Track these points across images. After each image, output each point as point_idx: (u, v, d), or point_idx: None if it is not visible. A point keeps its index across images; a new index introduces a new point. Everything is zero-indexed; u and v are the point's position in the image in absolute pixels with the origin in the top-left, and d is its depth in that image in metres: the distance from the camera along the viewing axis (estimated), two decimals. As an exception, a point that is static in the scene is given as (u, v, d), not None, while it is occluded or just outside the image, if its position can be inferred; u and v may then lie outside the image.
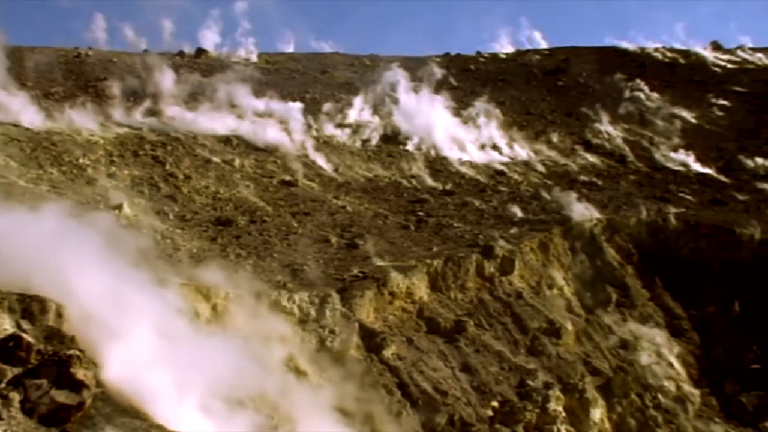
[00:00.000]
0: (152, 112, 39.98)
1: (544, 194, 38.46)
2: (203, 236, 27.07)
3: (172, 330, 14.62)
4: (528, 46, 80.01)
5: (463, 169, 43.62)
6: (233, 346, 16.37)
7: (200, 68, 53.99)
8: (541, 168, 45.90)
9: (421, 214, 34.44)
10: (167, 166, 33.79)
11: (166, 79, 45.60)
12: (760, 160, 47.98)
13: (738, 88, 65.06)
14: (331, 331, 21.98)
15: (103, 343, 12.21)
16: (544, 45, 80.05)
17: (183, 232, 26.85)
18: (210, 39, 64.85)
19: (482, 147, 48.15)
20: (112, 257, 14.92)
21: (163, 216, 28.37)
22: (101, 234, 15.68)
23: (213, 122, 41.06)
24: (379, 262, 26.42)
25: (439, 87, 54.40)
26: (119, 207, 26.62)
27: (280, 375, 18.74)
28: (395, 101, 49.72)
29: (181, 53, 61.42)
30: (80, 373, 10.49)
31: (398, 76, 51.70)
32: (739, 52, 78.64)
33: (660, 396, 26.39)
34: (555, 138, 51.81)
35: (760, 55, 77.99)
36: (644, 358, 27.96)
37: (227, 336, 18.13)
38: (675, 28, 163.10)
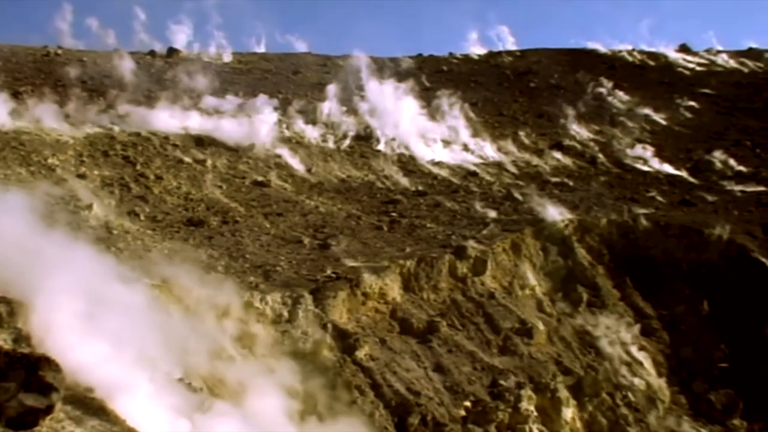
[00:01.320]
0: (123, 112, 39.62)
1: (516, 195, 38.64)
2: (175, 237, 26.90)
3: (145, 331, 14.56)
4: (497, 43, 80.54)
5: (436, 170, 43.71)
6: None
7: (172, 67, 53.63)
8: (512, 169, 46.12)
9: (394, 214, 34.46)
10: (138, 167, 33.54)
11: (137, 79, 45.28)
12: (728, 161, 48.60)
13: (706, 90, 65.84)
14: (304, 332, 21.93)
15: (71, 345, 12.10)
16: (511, 41, 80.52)
17: (154, 233, 26.67)
18: (181, 35, 64.43)
19: (454, 148, 48.30)
20: (82, 258, 14.80)
21: (134, 217, 28.16)
22: (70, 234, 15.55)
23: (185, 122, 40.80)
24: (352, 263, 26.41)
25: (411, 88, 54.44)
26: (89, 207, 26.39)
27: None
28: (367, 102, 49.69)
29: (152, 52, 61.02)
30: (49, 376, 10.38)
31: (371, 76, 51.66)
32: (707, 55, 79.58)
33: (630, 395, 26.61)
34: (527, 139, 52.09)
35: (727, 57, 79.01)
36: (615, 357, 28.18)
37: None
38: (640, 26, 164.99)
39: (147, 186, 32.03)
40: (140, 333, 14.25)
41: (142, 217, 28.34)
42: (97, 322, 12.92)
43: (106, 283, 14.72)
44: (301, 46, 72.70)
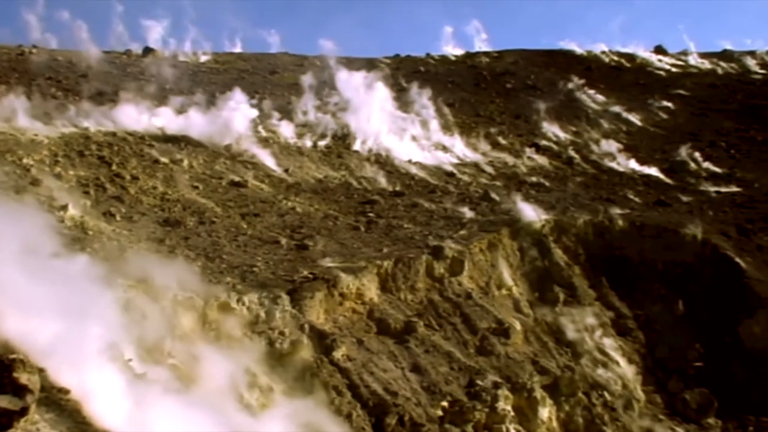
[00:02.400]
0: (99, 112, 39.32)
1: (493, 195, 38.78)
2: (151, 238, 26.70)
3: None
4: (472, 38, 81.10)
5: (413, 170, 43.78)
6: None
7: (147, 67, 53.36)
8: (489, 169, 46.30)
9: (371, 215, 34.45)
10: (114, 167, 33.27)
11: (112, 79, 45.00)
12: (703, 163, 49.08)
13: (681, 92, 66.48)
14: (281, 333, 21.85)
15: (45, 348, 11.99)
16: (484, 37, 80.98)
17: (130, 234, 26.46)
18: (155, 31, 64.12)
19: (431, 148, 48.43)
20: (56, 260, 14.69)
21: (110, 217, 27.91)
22: (46, 236, 15.43)
23: (161, 122, 40.61)
24: (329, 264, 26.35)
25: (388, 88, 54.51)
26: (64, 208, 26.15)
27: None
28: (345, 102, 49.66)
29: (128, 52, 60.73)
30: (23, 378, 10.26)
31: (348, 77, 51.63)
32: (683, 56, 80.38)
33: (606, 394, 26.75)
34: (503, 139, 52.34)
35: (701, 58, 79.84)
36: (591, 357, 28.34)
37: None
38: (611, 24, 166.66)
39: (123, 186, 31.78)
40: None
41: (117, 218, 28.10)
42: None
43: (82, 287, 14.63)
44: (274, 42, 72.74)
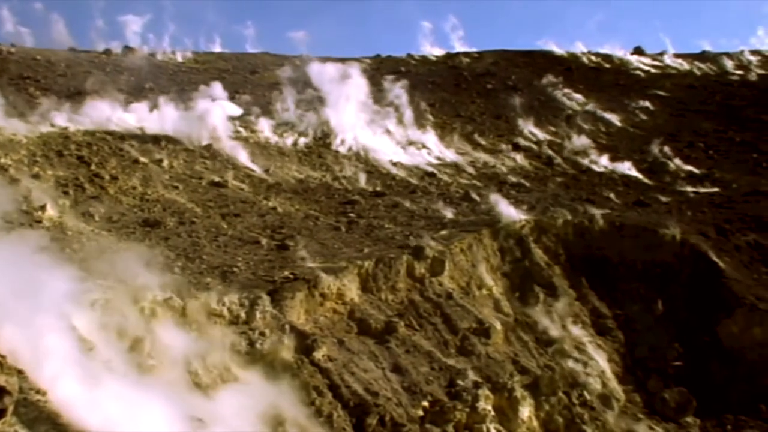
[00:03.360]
0: (77, 111, 39.07)
1: (474, 195, 38.87)
2: (130, 238, 26.57)
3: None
4: (451, 36, 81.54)
5: (394, 171, 43.81)
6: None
7: (127, 67, 53.09)
8: (470, 169, 46.40)
9: (351, 215, 34.44)
10: (93, 167, 33.09)
11: (91, 78, 44.71)
12: (675, 159, 49.43)
13: (660, 93, 66.94)
14: (261, 333, 21.79)
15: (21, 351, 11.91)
16: (461, 33, 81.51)
17: (109, 234, 26.31)
18: (133, 28, 63.80)
19: (412, 148, 48.48)
20: (32, 261, 14.58)
21: (89, 217, 27.76)
22: (21, 236, 15.32)
23: (140, 122, 40.44)
24: (310, 264, 26.31)
25: (369, 88, 54.53)
26: (43, 208, 25.97)
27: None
28: (326, 102, 49.62)
29: (107, 51, 60.39)
30: (1, 380, 10.20)
31: (329, 76, 51.58)
32: (662, 57, 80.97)
33: (586, 393, 26.81)
34: (484, 140, 52.48)
35: (680, 59, 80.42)
36: (571, 356, 28.43)
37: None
38: (590, 23, 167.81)
39: (102, 186, 31.60)
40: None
41: (97, 218, 27.94)
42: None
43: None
44: (250, 35, 72.89)
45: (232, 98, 47.94)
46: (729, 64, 78.66)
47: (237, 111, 45.75)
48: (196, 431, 14.19)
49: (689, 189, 44.46)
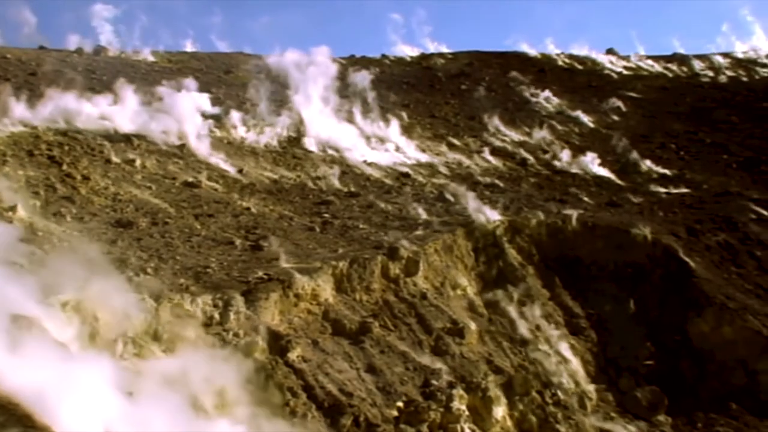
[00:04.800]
0: (48, 111, 38.64)
1: (448, 196, 38.95)
2: (102, 239, 26.35)
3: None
4: (419, 34, 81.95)
5: (368, 171, 43.81)
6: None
7: (99, 66, 52.66)
8: (444, 170, 46.49)
9: (326, 215, 34.41)
10: (64, 167, 32.76)
11: (63, 77, 44.27)
12: (654, 166, 49.85)
13: (633, 94, 67.51)
14: (236, 334, 21.72)
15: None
16: (429, 29, 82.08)
17: (81, 235, 26.07)
18: (106, 28, 63.21)
19: (387, 149, 48.52)
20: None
21: (60, 218, 27.49)
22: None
23: (113, 121, 40.10)
24: (284, 264, 26.26)
25: (343, 89, 54.52)
26: (13, 209, 25.68)
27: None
28: (300, 102, 49.50)
29: (79, 50, 59.84)
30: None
31: (303, 76, 51.48)
32: (634, 59, 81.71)
33: (559, 393, 26.97)
34: (458, 141, 52.62)
35: (652, 61, 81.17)
36: (544, 356, 28.58)
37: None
38: (558, 20, 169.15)
39: (74, 186, 31.29)
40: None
41: (68, 219, 27.67)
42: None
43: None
44: (217, 30, 72.64)
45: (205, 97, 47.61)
46: (699, 66, 79.51)
47: (207, 101, 45.51)
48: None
49: (661, 190, 44.87)
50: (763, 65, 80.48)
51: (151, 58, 62.02)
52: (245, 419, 18.53)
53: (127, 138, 38.58)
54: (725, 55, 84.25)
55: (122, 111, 41.53)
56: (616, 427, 26.87)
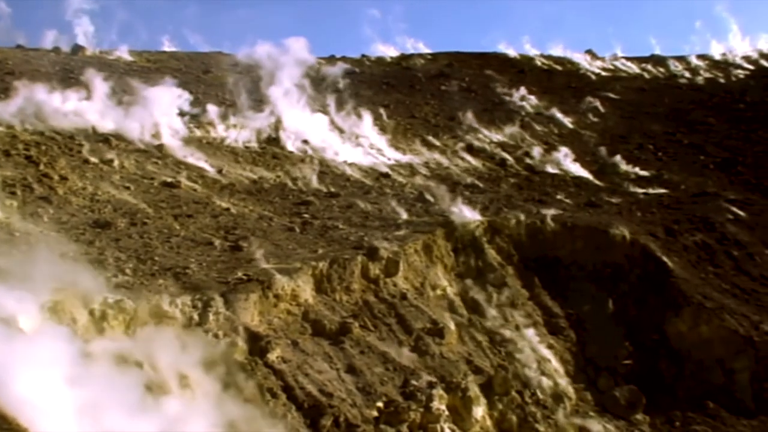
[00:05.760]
0: (25, 110, 38.30)
1: (428, 196, 38.99)
2: (80, 239, 26.14)
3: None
4: (394, 30, 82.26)
5: (348, 171, 43.76)
6: None
7: (77, 65, 52.27)
8: (424, 171, 46.54)
9: (306, 216, 34.33)
10: (41, 167, 32.48)
11: (41, 76, 43.92)
12: (633, 168, 50.17)
13: (611, 95, 67.94)
14: (215, 335, 21.63)
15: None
16: (406, 26, 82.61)
17: (58, 235, 25.86)
18: (83, 28, 62.72)
19: (367, 149, 48.51)
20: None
21: (37, 218, 27.26)
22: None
23: (91, 121, 39.81)
24: (264, 265, 26.14)
25: (323, 89, 54.48)
26: (-11, 209, 25.47)
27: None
28: (279, 102, 49.36)
29: (56, 49, 59.41)
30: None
31: (283, 76, 51.35)
32: (612, 61, 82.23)
33: (539, 392, 27.09)
34: (438, 141, 52.70)
35: (629, 62, 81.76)
36: (524, 356, 28.68)
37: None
38: (534, 18, 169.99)
39: (51, 187, 31.04)
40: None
41: (45, 219, 27.45)
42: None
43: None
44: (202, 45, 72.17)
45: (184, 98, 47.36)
46: (677, 67, 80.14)
47: (186, 100, 45.28)
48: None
49: (639, 190, 45.19)
50: (740, 66, 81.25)
51: (129, 58, 61.64)
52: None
53: (105, 138, 38.32)
54: (702, 56, 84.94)
55: (99, 109, 41.23)
56: (595, 426, 27.03)
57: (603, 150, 52.70)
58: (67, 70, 49.81)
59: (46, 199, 29.70)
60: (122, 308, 19.96)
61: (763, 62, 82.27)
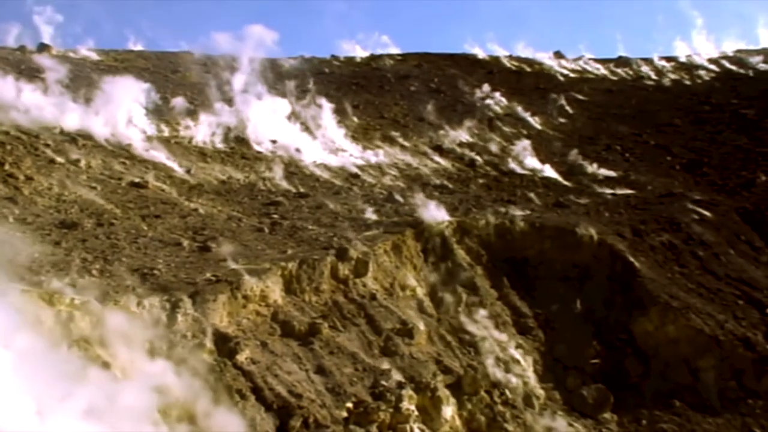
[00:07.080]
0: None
1: (397, 197, 39.04)
2: (46, 240, 25.85)
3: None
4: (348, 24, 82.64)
5: (318, 172, 43.69)
6: None
7: (43, 64, 51.61)
8: (394, 171, 46.59)
9: (275, 216, 34.21)
10: (6, 167, 32.07)
11: (4, 75, 43.34)
12: (601, 169, 50.55)
13: (579, 96, 68.45)
14: (183, 336, 21.49)
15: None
16: (369, 20, 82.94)
17: (24, 236, 25.55)
18: (47, 27, 62.04)
19: (336, 149, 48.46)
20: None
21: (2, 219, 26.90)
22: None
23: (57, 120, 39.39)
24: (233, 265, 26.02)
25: (292, 88, 54.34)
26: (-47, 210, 25.10)
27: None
28: (248, 102, 49.16)
29: (22, 48, 58.72)
30: None
31: (250, 76, 51.14)
32: (580, 62, 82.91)
33: (507, 392, 27.20)
34: (407, 142, 52.78)
35: (596, 64, 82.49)
36: (493, 356, 28.78)
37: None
38: (499, 14, 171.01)
39: (16, 187, 30.66)
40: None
41: (11, 220, 27.11)
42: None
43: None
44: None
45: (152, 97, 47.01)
46: (645, 69, 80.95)
47: (154, 96, 44.96)
48: None
49: (606, 191, 45.54)
50: (704, 68, 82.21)
51: (96, 57, 61.07)
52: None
53: (72, 137, 37.92)
54: (668, 58, 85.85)
55: (66, 109, 40.80)
56: (563, 425, 27.18)
57: (571, 151, 53.05)
58: (32, 69, 49.18)
59: (12, 199, 29.33)
60: (89, 310, 19.74)
61: (727, 64, 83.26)
